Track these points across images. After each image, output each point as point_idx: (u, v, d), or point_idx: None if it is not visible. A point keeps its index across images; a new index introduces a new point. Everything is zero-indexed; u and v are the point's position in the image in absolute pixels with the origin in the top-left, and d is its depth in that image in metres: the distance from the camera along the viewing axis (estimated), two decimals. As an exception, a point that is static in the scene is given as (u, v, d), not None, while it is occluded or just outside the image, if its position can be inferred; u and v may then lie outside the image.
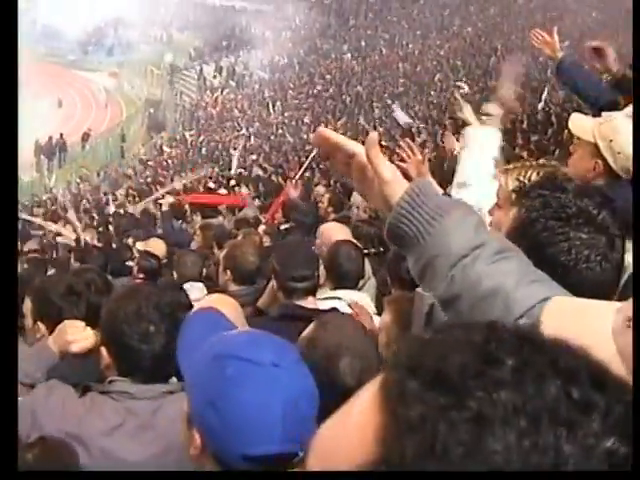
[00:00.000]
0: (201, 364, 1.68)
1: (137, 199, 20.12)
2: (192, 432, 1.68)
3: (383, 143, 18.02)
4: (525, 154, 11.71)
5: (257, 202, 13.93)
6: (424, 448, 0.64)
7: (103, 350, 2.83)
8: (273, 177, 18.21)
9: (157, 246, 8.54)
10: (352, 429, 0.70)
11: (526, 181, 2.46)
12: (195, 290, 5.78)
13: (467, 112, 4.54)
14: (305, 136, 28.43)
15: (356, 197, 10.19)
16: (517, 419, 0.63)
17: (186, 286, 5.82)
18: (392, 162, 1.68)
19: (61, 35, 61.71)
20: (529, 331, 0.74)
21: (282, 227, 9.68)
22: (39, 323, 3.41)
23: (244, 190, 16.68)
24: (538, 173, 2.65)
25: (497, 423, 0.63)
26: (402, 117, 21.42)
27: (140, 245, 8.86)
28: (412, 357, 0.71)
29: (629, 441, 0.63)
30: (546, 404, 0.64)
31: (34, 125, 42.51)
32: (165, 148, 34.41)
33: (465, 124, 4.50)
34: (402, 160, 4.26)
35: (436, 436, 0.63)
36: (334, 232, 5.41)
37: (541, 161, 3.38)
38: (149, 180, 26.42)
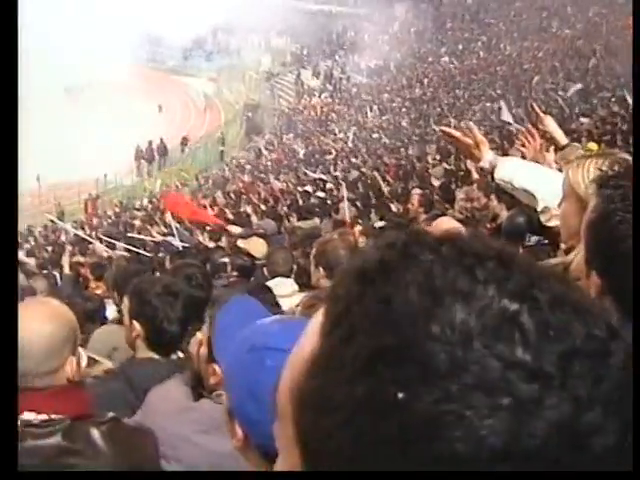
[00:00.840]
0: (238, 356, 1.66)
1: (235, 201, 20.33)
2: (234, 424, 1.66)
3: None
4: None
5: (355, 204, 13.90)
6: (346, 333, 0.72)
7: (135, 323, 2.89)
8: (370, 180, 18.17)
9: (257, 245, 8.61)
10: (308, 333, 0.80)
11: (609, 171, 2.35)
12: (284, 286, 5.79)
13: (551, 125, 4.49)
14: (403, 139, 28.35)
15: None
16: (421, 297, 0.70)
17: (275, 281, 5.82)
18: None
19: (162, 41, 62.90)
20: (452, 235, 0.78)
21: (377, 225, 9.66)
22: (135, 322, 3.44)
23: (343, 192, 16.71)
24: (611, 163, 2.55)
25: (401, 301, 0.70)
26: (508, 116, 21.18)
27: (241, 243, 8.95)
28: (349, 263, 0.79)
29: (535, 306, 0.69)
30: (448, 283, 0.70)
31: (135, 130, 43.44)
32: (263, 152, 34.69)
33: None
34: (523, 145, 4.34)
35: (352, 320, 0.72)
36: (446, 225, 5.36)
37: (612, 151, 3.27)
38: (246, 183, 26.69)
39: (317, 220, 12.86)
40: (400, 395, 0.67)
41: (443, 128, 3.99)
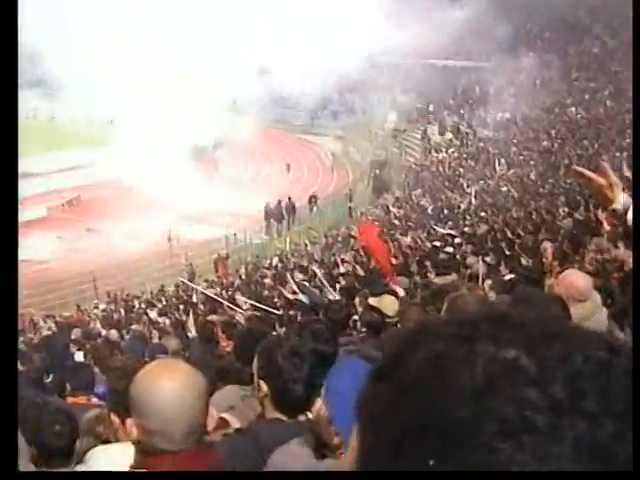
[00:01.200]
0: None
1: (364, 259, 20.36)
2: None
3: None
4: None
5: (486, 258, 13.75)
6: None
7: (262, 383, 2.91)
8: (499, 234, 17.97)
9: (389, 303, 8.59)
10: None
11: None
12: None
13: None
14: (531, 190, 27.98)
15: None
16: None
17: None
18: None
19: (289, 101, 64.20)
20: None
21: (506, 278, 9.56)
22: (262, 382, 3.47)
23: (469, 247, 16.58)
24: None
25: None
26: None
27: (372, 301, 8.95)
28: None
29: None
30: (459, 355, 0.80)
31: (264, 189, 44.28)
32: (391, 208, 34.73)
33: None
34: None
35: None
36: (576, 279, 5.28)
37: None
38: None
39: (451, 276, 12.79)
40: (431, 462, 0.75)
41: (576, 167, 4.00)
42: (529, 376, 0.75)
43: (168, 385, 2.51)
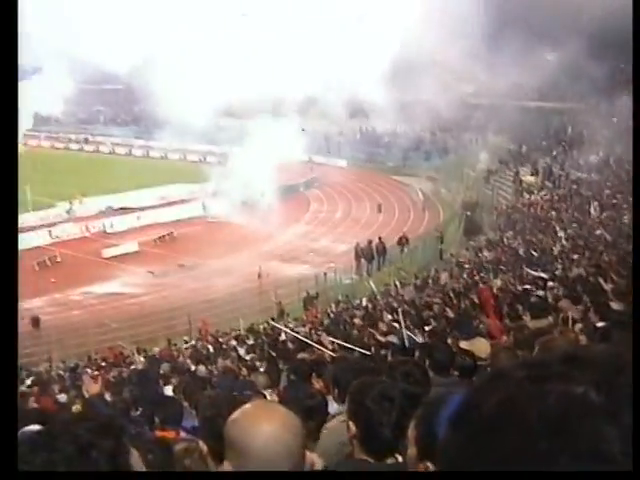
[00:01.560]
0: None
1: (454, 301, 20.20)
2: None
3: None
4: None
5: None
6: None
7: (351, 423, 2.88)
8: (591, 278, 17.64)
9: (481, 346, 8.51)
10: None
11: None
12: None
13: None
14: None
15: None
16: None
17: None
18: None
19: (381, 142, 64.51)
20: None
21: (598, 325, 9.35)
22: (351, 423, 3.46)
23: (561, 290, 16.30)
24: None
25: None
26: None
27: (464, 344, 8.88)
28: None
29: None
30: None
31: (354, 229, 44.41)
32: (483, 251, 34.40)
33: None
34: None
35: None
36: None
37: None
38: (468, 282, 26.49)
39: (546, 319, 12.58)
40: None
41: None
42: (599, 410, 0.78)
43: (269, 429, 2.53)
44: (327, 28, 51.65)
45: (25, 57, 73.50)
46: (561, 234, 31.41)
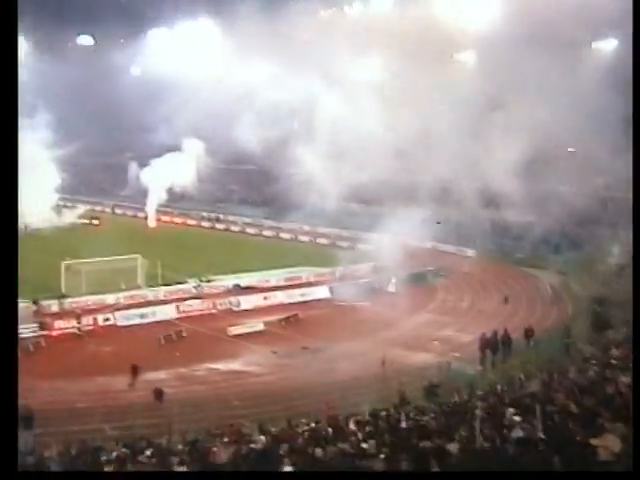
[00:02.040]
0: None
1: (579, 397, 19.66)
2: None
3: None
4: None
5: None
6: None
7: None
8: None
9: (612, 443, 8.36)
10: None
11: None
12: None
13: None
14: None
15: None
16: None
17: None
18: None
19: (508, 233, 63.92)
20: None
21: None
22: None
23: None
24: None
25: None
26: None
27: (594, 441, 8.74)
28: None
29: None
30: None
31: (480, 319, 43.86)
32: (611, 348, 33.40)
33: None
34: None
35: None
36: None
37: None
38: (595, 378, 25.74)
39: None
40: None
41: None
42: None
43: None
44: (464, 116, 51.98)
45: (166, 137, 76.72)
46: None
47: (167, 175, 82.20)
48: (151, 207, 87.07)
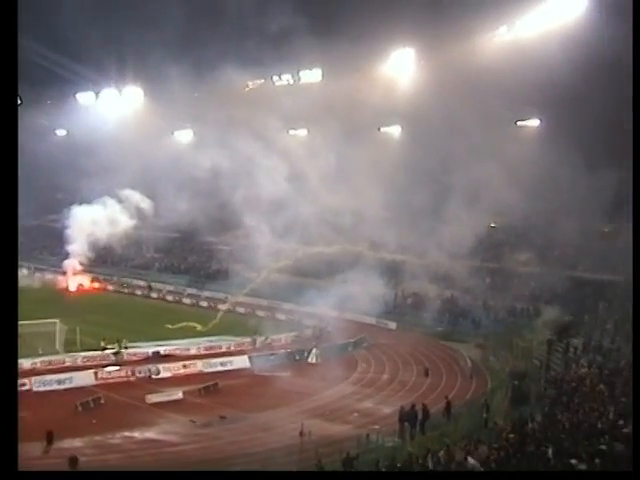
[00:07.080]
0: None
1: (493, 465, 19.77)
2: None
3: None
4: None
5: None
6: None
7: None
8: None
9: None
10: None
11: None
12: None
13: None
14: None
15: None
16: None
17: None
18: None
19: (426, 306, 64.59)
20: None
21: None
22: None
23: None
24: None
25: None
26: None
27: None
28: None
29: None
30: None
31: (401, 392, 43.91)
32: (528, 422, 33.70)
33: None
34: None
35: None
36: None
37: None
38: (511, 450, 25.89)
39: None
40: None
41: None
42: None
43: None
44: (390, 188, 52.72)
45: (88, 198, 76.28)
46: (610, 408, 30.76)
47: (88, 238, 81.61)
48: (71, 270, 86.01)
